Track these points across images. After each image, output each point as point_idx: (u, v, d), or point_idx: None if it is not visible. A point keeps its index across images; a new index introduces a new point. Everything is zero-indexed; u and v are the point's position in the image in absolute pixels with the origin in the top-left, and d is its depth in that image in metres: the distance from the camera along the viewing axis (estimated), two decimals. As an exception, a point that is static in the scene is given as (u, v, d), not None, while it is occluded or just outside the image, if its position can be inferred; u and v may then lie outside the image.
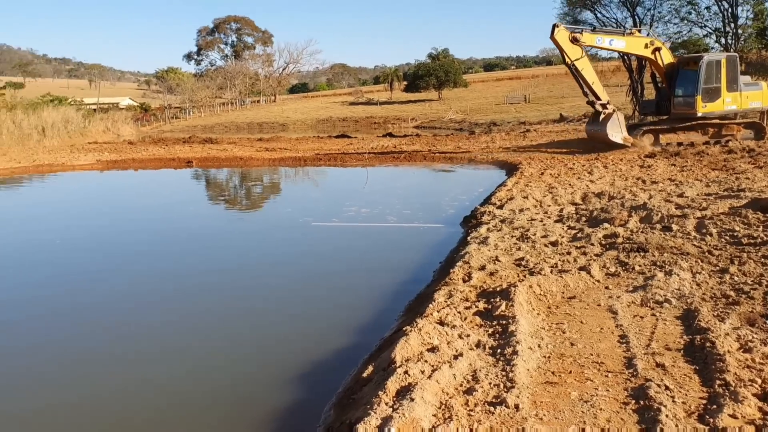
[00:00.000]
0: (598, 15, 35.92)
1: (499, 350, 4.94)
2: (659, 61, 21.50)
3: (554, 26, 20.47)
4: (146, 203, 16.78)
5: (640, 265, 7.19)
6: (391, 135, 36.69)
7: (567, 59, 20.58)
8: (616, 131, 20.76)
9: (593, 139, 22.24)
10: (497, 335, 5.30)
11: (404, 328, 5.54)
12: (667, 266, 7.02)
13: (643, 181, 13.75)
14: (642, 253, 7.61)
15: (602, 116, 21.03)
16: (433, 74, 75.63)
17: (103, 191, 20.54)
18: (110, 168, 25.52)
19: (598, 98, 20.93)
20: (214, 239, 12.11)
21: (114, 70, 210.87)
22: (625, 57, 34.27)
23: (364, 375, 5.02)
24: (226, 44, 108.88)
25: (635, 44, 21.79)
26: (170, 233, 12.73)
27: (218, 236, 12.45)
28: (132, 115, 65.17)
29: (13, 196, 19.89)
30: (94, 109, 65.28)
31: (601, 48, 22.76)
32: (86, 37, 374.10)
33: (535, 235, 8.99)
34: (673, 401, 4.06)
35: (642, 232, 8.59)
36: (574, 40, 20.37)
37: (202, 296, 8.34)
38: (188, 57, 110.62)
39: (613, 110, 21.01)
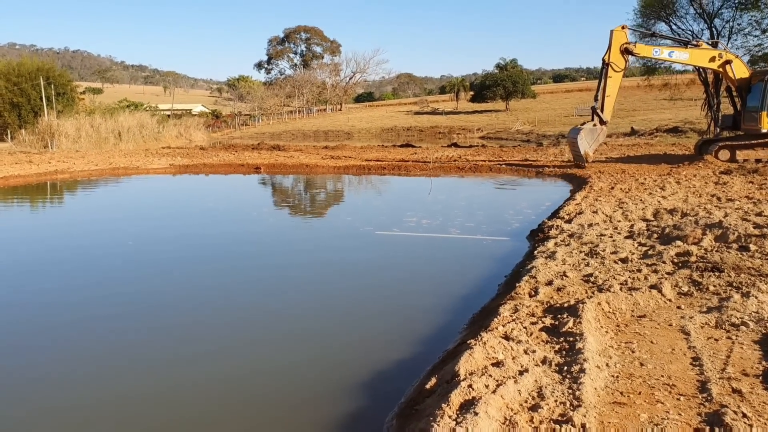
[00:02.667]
0: (673, 27, 34.96)
1: (565, 367, 4.84)
2: (730, 75, 20.83)
3: (622, 26, 20.67)
4: (213, 207, 17.18)
5: (714, 286, 6.93)
6: (456, 145, 36.63)
7: (606, 57, 20.47)
8: (587, 140, 20.82)
9: (569, 145, 22.39)
10: (564, 352, 5.20)
11: (468, 342, 5.50)
12: (744, 287, 6.74)
13: (719, 199, 13.27)
14: (717, 273, 7.34)
15: (588, 123, 21.06)
16: (501, 84, 75.12)
17: (175, 194, 21.17)
18: (182, 172, 26.30)
19: (603, 111, 20.73)
20: (275, 245, 12.31)
21: (188, 78, 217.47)
22: (701, 70, 33.24)
23: (427, 387, 5.00)
24: (295, 53, 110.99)
25: (700, 57, 21.19)
26: (233, 238, 12.99)
27: (279, 242, 12.64)
28: (204, 122, 67.15)
29: (91, 197, 20.71)
30: (168, 115, 67.46)
31: (660, 59, 22.35)
32: (162, 46, 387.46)
33: (604, 251, 8.79)
34: (751, 430, 3.88)
35: (717, 251, 8.29)
36: (626, 51, 20.29)
37: (263, 301, 8.48)
38: (259, 66, 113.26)
39: (602, 128, 21.00)
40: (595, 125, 20.83)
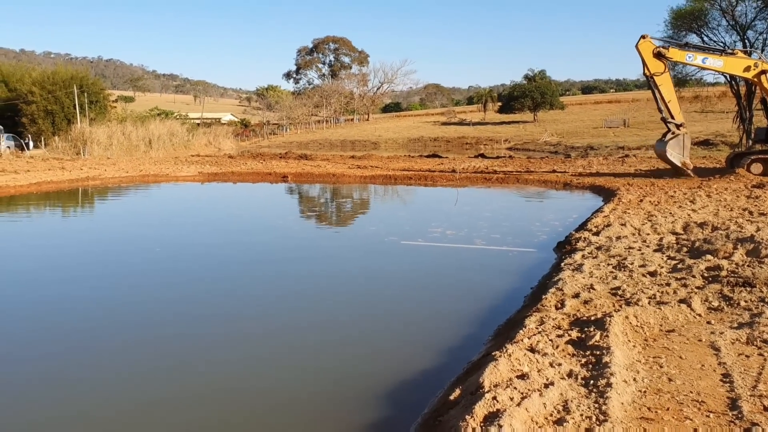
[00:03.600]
0: (705, 39, 34.51)
1: (591, 381, 4.78)
2: (766, 85, 20.44)
3: (642, 36, 20.40)
4: (240, 215, 17.33)
5: (746, 301, 6.80)
6: (483, 156, 36.54)
7: (646, 71, 20.33)
8: (677, 152, 20.68)
9: (660, 158, 22.30)
10: (590, 366, 5.13)
11: (493, 353, 5.46)
12: (776, 303, 6.60)
13: (750, 213, 13.04)
14: (748, 288, 7.20)
15: (669, 135, 20.75)
16: (529, 96, 74.78)
17: (202, 202, 21.38)
18: (211, 180, 26.58)
19: (673, 117, 20.48)
20: (300, 254, 12.35)
21: (217, 87, 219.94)
22: (733, 82, 32.79)
23: (451, 398, 4.97)
24: (323, 63, 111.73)
25: (734, 65, 20.77)
26: (259, 246, 13.07)
27: (305, 251, 12.68)
28: (232, 130, 67.88)
29: (120, 203, 21.02)
30: (198, 124, 68.33)
31: (693, 65, 21.98)
32: (193, 55, 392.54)
33: (632, 264, 8.68)
34: (783, 449, 3.79)
35: (748, 265, 8.13)
36: (659, 55, 20.07)
37: (287, 310, 8.50)
38: (287, 75, 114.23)
39: (683, 132, 20.71)
40: (674, 133, 20.62)
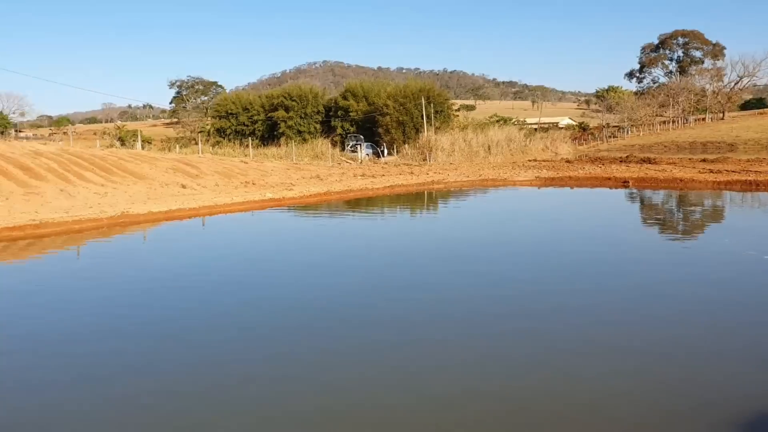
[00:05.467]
0: None
1: None
2: None
3: None
4: (579, 223, 16.85)
5: None
6: None
7: None
8: None
9: None
10: None
11: None
12: None
13: None
14: None
15: None
16: None
17: (534, 206, 21.36)
18: (547, 185, 26.45)
19: None
20: (633, 267, 11.46)
21: (555, 91, 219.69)
22: None
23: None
24: (670, 60, 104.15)
25: None
26: (588, 256, 12.48)
27: (638, 264, 11.74)
28: (570, 134, 67.08)
29: (467, 206, 22.05)
30: (535, 129, 69.03)
31: None
32: (531, 62, 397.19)
33: None
34: None
35: None
36: None
37: (626, 321, 7.90)
38: (630, 75, 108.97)
39: None
40: None
